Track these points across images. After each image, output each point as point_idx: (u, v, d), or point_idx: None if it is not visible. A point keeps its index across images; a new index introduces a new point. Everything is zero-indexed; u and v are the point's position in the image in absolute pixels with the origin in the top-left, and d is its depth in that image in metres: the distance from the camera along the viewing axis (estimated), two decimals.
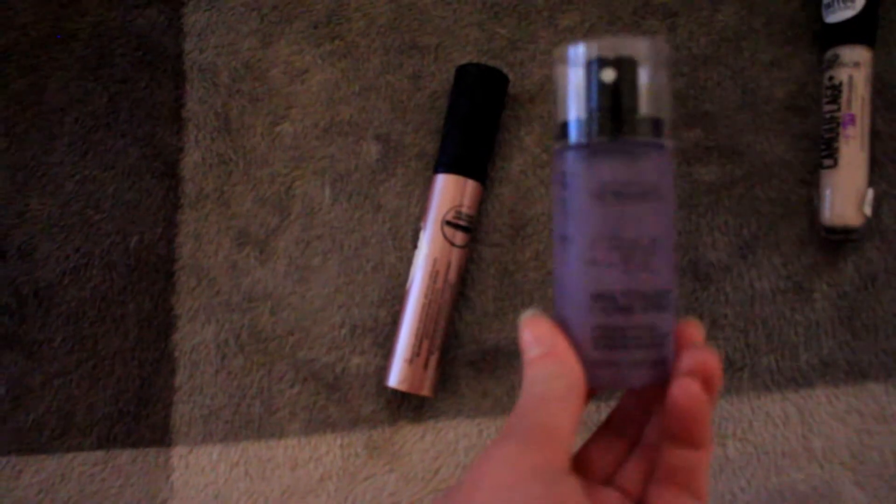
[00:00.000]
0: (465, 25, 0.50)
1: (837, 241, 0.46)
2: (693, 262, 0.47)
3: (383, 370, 0.47)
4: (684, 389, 0.26)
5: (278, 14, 0.51)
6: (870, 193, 0.44)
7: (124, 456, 0.47)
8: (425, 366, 0.45)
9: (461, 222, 0.46)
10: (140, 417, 0.47)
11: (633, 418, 0.31)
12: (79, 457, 0.47)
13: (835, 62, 0.46)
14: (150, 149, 0.50)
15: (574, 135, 0.28)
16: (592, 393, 0.31)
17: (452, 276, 0.45)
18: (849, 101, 0.45)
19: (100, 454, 0.47)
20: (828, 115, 0.46)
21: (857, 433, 0.45)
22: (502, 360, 0.47)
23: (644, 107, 0.27)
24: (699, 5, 0.49)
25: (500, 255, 0.48)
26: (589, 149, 0.27)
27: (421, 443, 0.46)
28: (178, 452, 0.47)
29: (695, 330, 0.28)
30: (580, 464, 0.31)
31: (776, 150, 0.48)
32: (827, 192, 0.45)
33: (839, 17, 0.46)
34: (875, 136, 0.47)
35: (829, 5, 0.46)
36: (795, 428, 0.45)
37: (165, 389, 0.47)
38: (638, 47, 0.28)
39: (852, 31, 0.45)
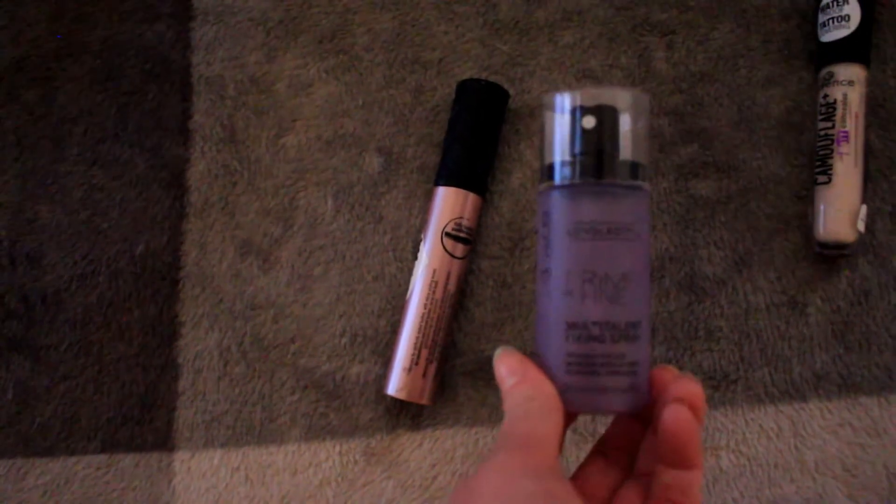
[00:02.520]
0: (467, 41, 0.51)
1: (831, 256, 0.47)
2: (689, 275, 0.48)
3: (382, 378, 0.47)
4: (675, 414, 0.28)
5: (284, 29, 0.52)
6: (863, 209, 0.45)
7: (127, 460, 0.47)
8: (424, 375, 0.45)
9: (461, 234, 0.46)
10: (143, 422, 0.48)
11: (620, 446, 0.33)
12: (82, 460, 0.48)
13: (829, 80, 0.46)
14: (157, 159, 0.51)
15: (557, 176, 0.31)
16: (573, 416, 0.32)
17: (452, 286, 0.46)
18: (843, 119, 0.46)
19: (103, 458, 0.48)
20: (822, 132, 0.46)
21: (849, 446, 0.45)
22: None
23: (622, 152, 0.30)
24: (697, 23, 0.50)
25: (499, 268, 0.49)
26: (569, 189, 0.30)
27: (419, 450, 0.47)
28: (180, 457, 0.47)
29: (670, 374, 0.31)
30: (578, 490, 0.32)
31: (771, 166, 0.48)
32: (821, 208, 0.46)
33: (834, 35, 0.47)
34: (869, 152, 0.47)
35: (824, 24, 0.47)
36: (788, 440, 0.46)
37: (169, 395, 0.48)
38: (618, 97, 0.30)
39: (847, 50, 0.46)
